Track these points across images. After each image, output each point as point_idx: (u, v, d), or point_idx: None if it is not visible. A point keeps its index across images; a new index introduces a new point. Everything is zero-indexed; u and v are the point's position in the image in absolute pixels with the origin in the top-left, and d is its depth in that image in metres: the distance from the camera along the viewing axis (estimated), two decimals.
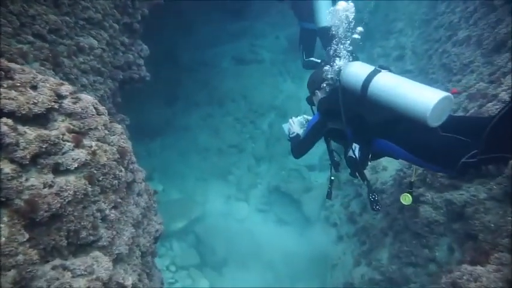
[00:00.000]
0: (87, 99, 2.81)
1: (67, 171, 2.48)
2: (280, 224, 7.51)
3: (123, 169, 3.15)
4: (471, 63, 5.16)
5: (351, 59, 2.88)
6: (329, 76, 2.89)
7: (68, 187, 2.38)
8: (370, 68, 2.55)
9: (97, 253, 2.41)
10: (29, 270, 1.96)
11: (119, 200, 2.86)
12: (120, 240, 2.67)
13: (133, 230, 2.85)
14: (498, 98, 3.75)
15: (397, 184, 5.19)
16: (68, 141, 2.52)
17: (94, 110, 2.87)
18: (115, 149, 3.09)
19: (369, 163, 2.87)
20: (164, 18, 10.22)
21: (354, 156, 2.73)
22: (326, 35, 5.48)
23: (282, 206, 7.71)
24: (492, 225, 3.20)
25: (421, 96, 2.20)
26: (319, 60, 5.73)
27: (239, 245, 6.85)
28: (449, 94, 2.20)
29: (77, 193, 2.44)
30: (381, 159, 5.88)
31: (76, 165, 2.50)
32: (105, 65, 4.65)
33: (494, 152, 1.94)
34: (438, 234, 4.04)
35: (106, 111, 3.12)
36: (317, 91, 3.09)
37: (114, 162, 3.00)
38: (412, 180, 3.01)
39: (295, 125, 3.35)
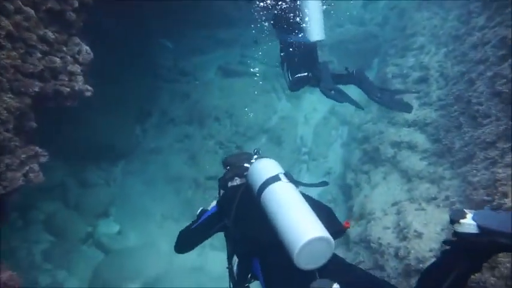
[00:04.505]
0: None
1: None
2: None
3: None
4: None
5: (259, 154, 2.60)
6: (245, 165, 2.55)
7: None
8: (276, 170, 2.18)
9: None
10: None
11: None
12: None
13: None
14: None
15: None
16: None
17: None
18: None
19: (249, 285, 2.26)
20: (142, 18, 8.68)
21: (232, 269, 2.27)
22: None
23: None
24: None
25: (297, 228, 1.80)
26: (305, 74, 4.27)
27: None
28: (328, 236, 1.76)
29: None
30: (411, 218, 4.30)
31: None
32: (5, 71, 2.91)
33: None
34: None
35: None
36: (237, 178, 2.61)
37: None
38: None
39: None
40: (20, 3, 3.07)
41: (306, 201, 1.96)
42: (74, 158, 7.43)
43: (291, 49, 4.23)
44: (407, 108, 4.55)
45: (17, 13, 3.05)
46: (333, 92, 3.91)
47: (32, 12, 3.19)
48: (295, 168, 8.03)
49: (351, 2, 10.71)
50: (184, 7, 8.97)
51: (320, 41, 4.16)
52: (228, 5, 10.18)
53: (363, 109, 4.53)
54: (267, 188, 2.04)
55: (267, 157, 2.39)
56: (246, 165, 2.51)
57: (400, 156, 5.79)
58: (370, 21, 10.36)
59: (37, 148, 3.31)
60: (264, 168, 2.22)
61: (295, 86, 4.39)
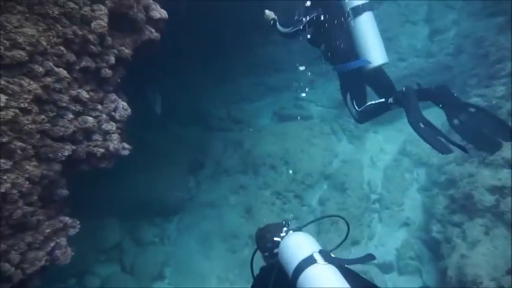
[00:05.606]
0: None
1: None
2: None
3: None
4: None
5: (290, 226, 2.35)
6: (275, 239, 2.29)
7: None
8: (309, 249, 1.97)
9: None
10: None
11: None
12: None
13: None
14: None
15: None
16: None
17: None
18: None
19: None
20: (191, 67, 8.74)
21: None
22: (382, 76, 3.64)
23: None
24: None
25: None
26: (382, 100, 3.48)
27: None
28: None
29: None
30: None
31: None
32: (30, 136, 2.63)
33: None
34: None
35: None
36: (265, 254, 2.43)
37: None
38: None
39: None
40: (51, 64, 2.86)
41: (350, 284, 1.76)
42: (129, 216, 7.25)
43: (351, 77, 3.62)
44: (494, 146, 3.11)
45: (47, 75, 2.83)
46: (422, 125, 2.92)
47: (65, 73, 2.97)
48: (364, 219, 6.96)
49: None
50: (235, 55, 8.91)
51: (384, 64, 3.55)
52: (279, 50, 10.00)
53: (466, 152, 2.86)
54: (303, 274, 1.88)
55: (298, 231, 2.22)
56: (276, 239, 2.29)
57: (505, 205, 4.58)
58: (439, 52, 9.26)
59: (66, 219, 2.93)
60: (295, 246, 2.04)
61: (366, 116, 3.65)
